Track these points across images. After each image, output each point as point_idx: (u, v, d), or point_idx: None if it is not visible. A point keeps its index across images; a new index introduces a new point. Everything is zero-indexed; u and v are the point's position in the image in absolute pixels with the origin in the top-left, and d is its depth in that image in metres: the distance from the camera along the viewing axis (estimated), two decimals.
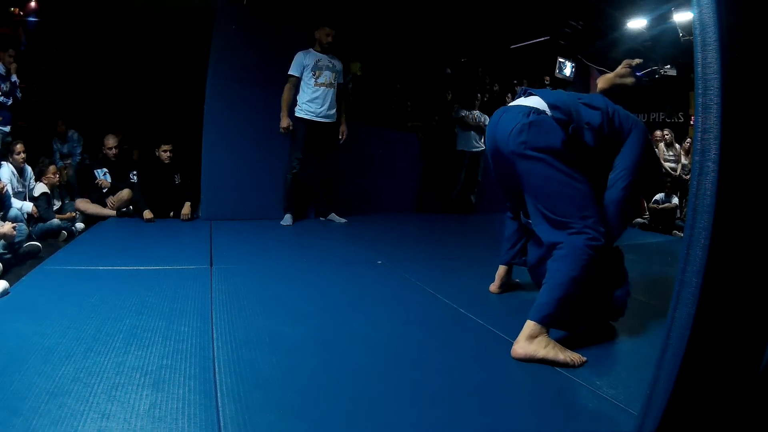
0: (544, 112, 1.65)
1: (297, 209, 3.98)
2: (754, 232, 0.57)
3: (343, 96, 3.99)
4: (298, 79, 3.79)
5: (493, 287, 2.29)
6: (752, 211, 0.56)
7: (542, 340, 1.52)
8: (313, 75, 3.76)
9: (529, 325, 1.53)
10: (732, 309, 0.60)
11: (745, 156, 0.56)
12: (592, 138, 1.65)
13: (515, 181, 1.70)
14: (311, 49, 3.83)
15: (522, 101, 1.72)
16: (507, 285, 2.30)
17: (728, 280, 0.59)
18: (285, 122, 3.77)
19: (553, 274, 1.56)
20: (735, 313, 0.60)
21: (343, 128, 3.97)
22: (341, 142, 3.98)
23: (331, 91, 3.83)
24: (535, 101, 1.69)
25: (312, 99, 3.77)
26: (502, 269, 2.27)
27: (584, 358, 1.51)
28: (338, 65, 3.89)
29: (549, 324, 1.53)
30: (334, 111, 3.89)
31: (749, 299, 0.59)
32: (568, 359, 1.48)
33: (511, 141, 1.63)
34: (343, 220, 4.08)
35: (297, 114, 3.81)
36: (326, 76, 3.79)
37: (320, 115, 3.80)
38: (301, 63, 3.77)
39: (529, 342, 1.51)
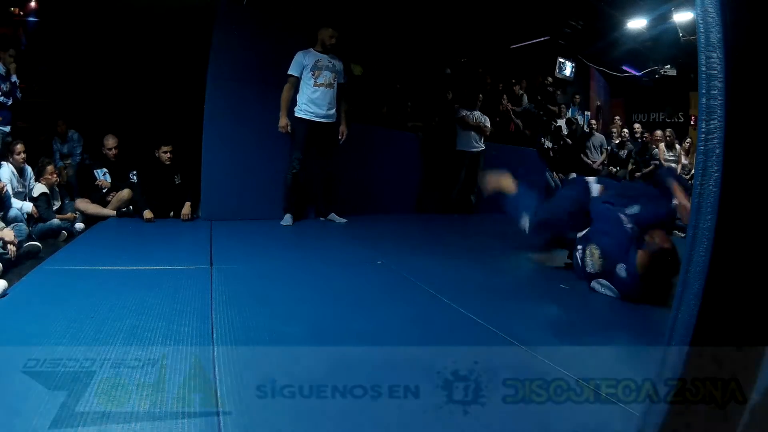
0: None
1: (297, 209, 3.98)
2: (758, 234, 0.56)
3: (343, 96, 3.97)
4: (298, 79, 3.77)
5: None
6: (756, 212, 0.56)
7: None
8: (313, 75, 3.74)
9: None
10: (735, 311, 0.59)
11: (750, 157, 0.55)
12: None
13: None
14: (311, 49, 3.80)
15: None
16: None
17: (731, 281, 0.58)
18: (283, 122, 3.76)
19: None
20: (738, 315, 0.60)
21: (342, 128, 3.94)
22: (341, 142, 3.95)
23: (331, 92, 3.81)
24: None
25: (311, 99, 3.76)
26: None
27: None
28: (338, 65, 3.87)
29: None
30: (333, 111, 3.87)
31: (752, 301, 0.59)
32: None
33: None
34: (343, 220, 4.06)
35: (296, 114, 3.79)
36: (326, 77, 3.77)
37: (319, 115, 3.79)
38: (301, 63, 3.75)
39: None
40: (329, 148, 3.92)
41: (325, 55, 3.80)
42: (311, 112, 3.77)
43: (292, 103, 3.82)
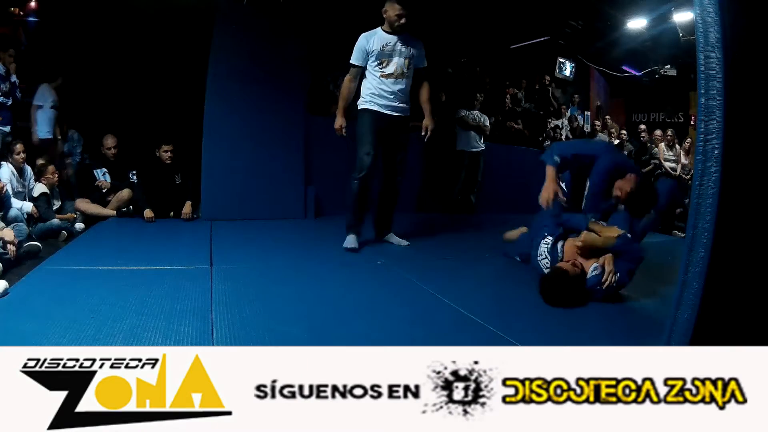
0: None
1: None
2: (756, 234, 0.56)
3: (424, 84, 3.11)
4: (361, 69, 2.99)
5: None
6: (755, 212, 0.56)
7: None
8: (379, 65, 2.95)
9: None
10: (734, 311, 0.59)
11: (748, 156, 0.55)
12: None
13: None
14: (379, 29, 2.98)
15: None
16: None
17: (730, 281, 0.58)
18: (339, 122, 3.00)
19: None
20: (737, 315, 0.59)
21: (426, 122, 3.06)
22: (426, 139, 3.08)
23: (403, 82, 2.98)
24: None
25: (377, 92, 2.97)
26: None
27: None
28: (414, 49, 3.00)
29: None
30: (406, 105, 3.07)
31: (751, 301, 0.58)
32: None
33: None
34: (404, 243, 3.28)
35: (360, 106, 3.03)
36: (395, 65, 2.95)
37: (388, 108, 2.99)
38: (364, 49, 2.95)
39: None
40: (396, 149, 3.09)
41: (394, 37, 2.95)
42: (378, 104, 2.98)
43: (354, 96, 3.11)
